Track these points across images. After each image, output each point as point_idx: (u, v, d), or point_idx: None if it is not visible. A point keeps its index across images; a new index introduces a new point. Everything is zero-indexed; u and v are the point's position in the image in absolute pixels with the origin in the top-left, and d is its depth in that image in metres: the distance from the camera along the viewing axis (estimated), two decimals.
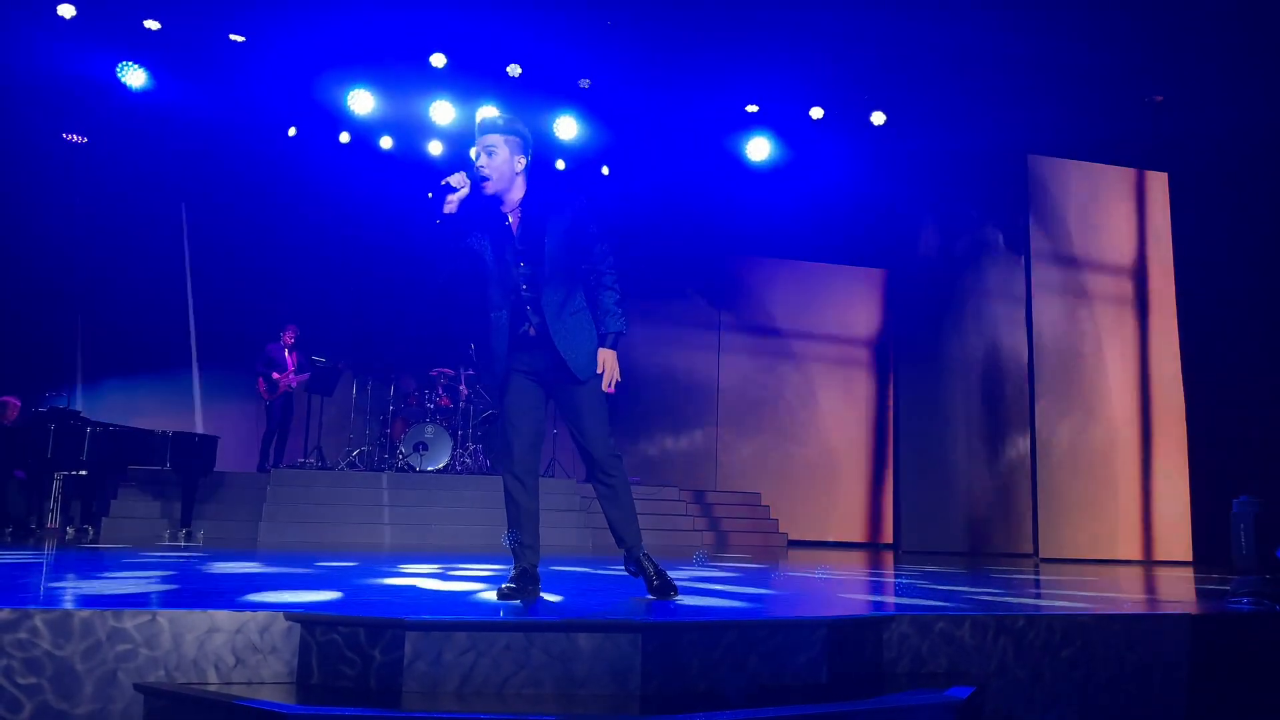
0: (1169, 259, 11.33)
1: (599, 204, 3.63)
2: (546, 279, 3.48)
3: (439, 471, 10.04)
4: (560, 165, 12.32)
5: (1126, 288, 11.20)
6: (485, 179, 3.48)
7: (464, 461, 10.41)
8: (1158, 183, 11.49)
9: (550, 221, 3.50)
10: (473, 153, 3.58)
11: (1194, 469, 10.83)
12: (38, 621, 2.66)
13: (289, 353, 10.52)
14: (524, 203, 3.56)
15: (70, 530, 8.52)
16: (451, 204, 3.41)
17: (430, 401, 10.59)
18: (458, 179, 3.43)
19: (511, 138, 3.53)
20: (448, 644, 2.73)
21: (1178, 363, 11.08)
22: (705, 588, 4.39)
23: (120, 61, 10.46)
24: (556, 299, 3.47)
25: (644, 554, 3.71)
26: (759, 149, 12.11)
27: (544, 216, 3.52)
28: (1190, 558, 10.60)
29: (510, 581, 3.55)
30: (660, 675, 2.77)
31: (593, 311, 3.61)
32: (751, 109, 11.64)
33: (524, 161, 3.55)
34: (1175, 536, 10.75)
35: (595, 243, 3.58)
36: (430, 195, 3.40)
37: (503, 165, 3.50)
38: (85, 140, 11.30)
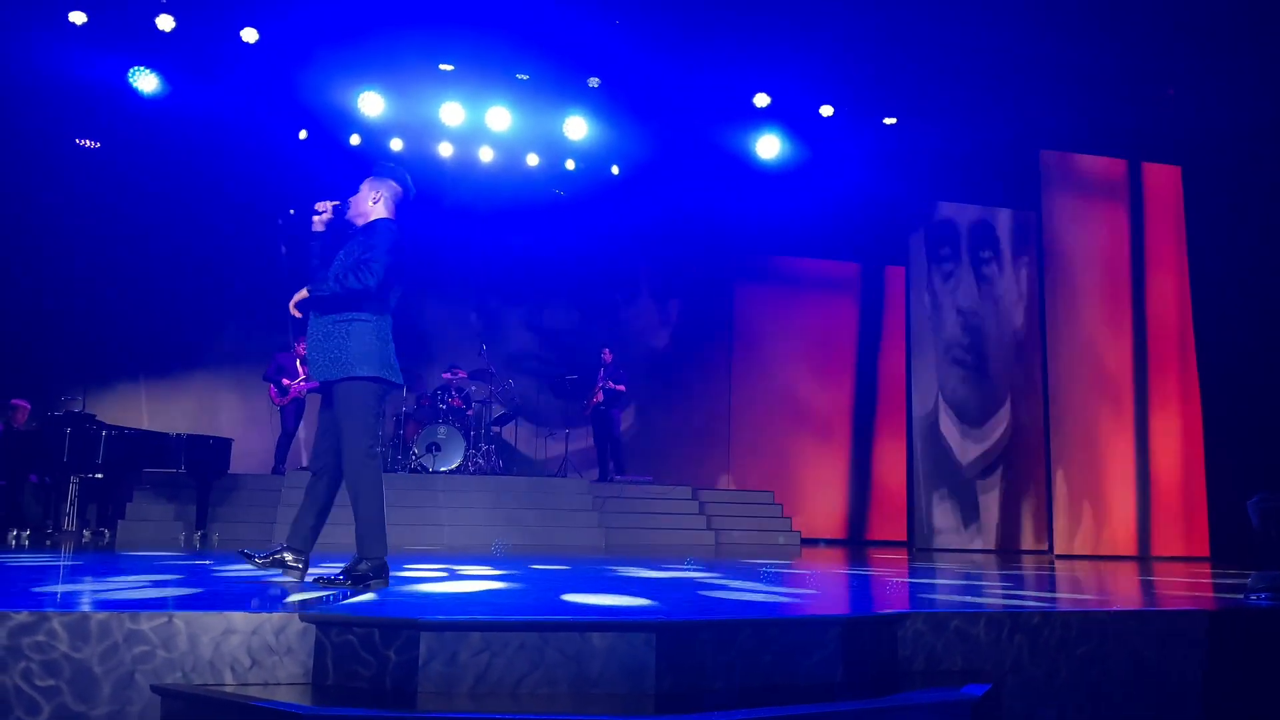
0: (1183, 252, 11.26)
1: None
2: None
3: (452, 472, 10.06)
4: (570, 165, 12.34)
5: (1139, 280, 11.13)
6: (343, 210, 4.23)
7: (476, 462, 10.43)
8: (1170, 176, 11.42)
9: None
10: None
11: (1210, 465, 10.76)
12: (56, 624, 2.68)
13: (301, 363, 10.53)
14: None
15: (86, 533, 8.56)
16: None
17: (443, 403, 10.61)
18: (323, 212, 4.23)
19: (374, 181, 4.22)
20: (462, 644, 2.74)
21: (1191, 358, 11.00)
22: (718, 584, 4.39)
23: (132, 66, 10.51)
24: None
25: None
26: (769, 146, 12.06)
27: None
28: (1208, 554, 10.54)
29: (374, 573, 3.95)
30: (674, 674, 2.77)
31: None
32: (762, 101, 11.52)
33: (377, 196, 4.21)
34: (1193, 533, 10.68)
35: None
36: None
37: (359, 203, 4.19)
38: (98, 145, 11.35)
